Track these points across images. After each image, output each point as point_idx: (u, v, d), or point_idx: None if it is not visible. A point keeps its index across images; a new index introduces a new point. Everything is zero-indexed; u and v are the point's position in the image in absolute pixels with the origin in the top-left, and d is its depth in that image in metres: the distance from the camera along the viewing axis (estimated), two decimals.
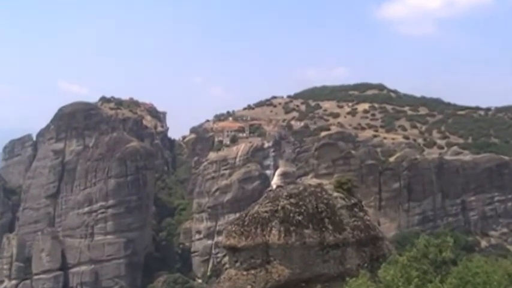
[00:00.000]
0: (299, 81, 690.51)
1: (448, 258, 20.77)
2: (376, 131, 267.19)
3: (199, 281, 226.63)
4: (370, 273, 21.32)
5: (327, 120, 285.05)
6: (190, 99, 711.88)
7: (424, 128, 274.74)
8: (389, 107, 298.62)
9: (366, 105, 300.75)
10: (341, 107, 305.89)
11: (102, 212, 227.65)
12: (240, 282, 22.94)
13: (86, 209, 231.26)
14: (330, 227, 23.84)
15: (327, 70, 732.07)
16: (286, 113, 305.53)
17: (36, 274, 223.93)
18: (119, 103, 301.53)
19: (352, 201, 25.46)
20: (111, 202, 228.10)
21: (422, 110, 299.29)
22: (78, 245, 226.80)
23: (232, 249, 24.07)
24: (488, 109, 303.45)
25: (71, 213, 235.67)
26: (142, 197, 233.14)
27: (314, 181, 26.50)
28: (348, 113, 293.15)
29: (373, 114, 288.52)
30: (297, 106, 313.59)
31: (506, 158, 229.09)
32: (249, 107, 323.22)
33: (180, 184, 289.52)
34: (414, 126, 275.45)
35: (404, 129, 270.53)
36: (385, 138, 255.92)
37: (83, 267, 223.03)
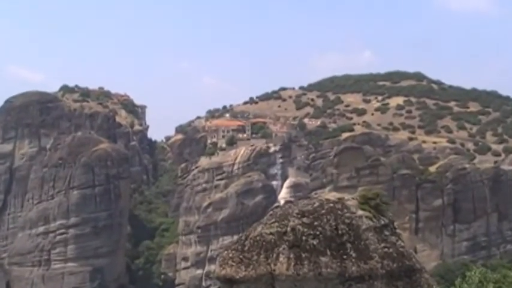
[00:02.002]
0: (314, 68, 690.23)
1: None
2: (413, 132, 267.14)
3: None
4: None
5: (350, 118, 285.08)
6: (176, 90, 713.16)
7: (475, 129, 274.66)
8: (430, 102, 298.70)
9: (399, 100, 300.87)
10: (368, 101, 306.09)
11: (62, 233, 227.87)
12: None
13: (41, 229, 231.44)
14: (353, 254, 23.94)
15: (350, 55, 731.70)
16: (298, 108, 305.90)
17: None
18: (85, 94, 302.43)
19: (382, 221, 25.58)
20: (73, 220, 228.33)
21: (473, 106, 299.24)
22: (29, 276, 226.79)
23: (229, 281, 24.21)
24: None
25: (21, 234, 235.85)
26: (113, 214, 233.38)
27: (333, 195, 26.64)
28: (377, 110, 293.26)
29: (409, 111, 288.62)
30: (312, 100, 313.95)
31: None
32: (251, 101, 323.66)
33: (162, 198, 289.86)
34: (462, 127, 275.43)
35: (450, 131, 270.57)
36: (424, 141, 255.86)
37: None
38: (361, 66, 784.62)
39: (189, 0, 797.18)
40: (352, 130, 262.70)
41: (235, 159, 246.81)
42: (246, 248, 23.89)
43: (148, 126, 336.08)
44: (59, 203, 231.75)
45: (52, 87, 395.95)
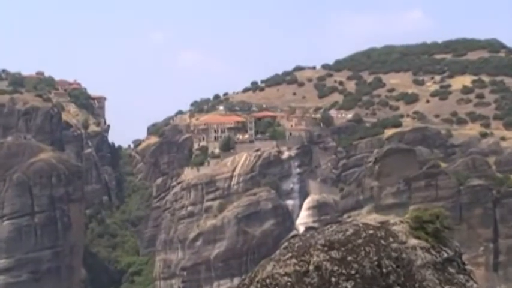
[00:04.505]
0: (343, 37, 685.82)
1: None
2: (487, 125, 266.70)
3: None
4: None
5: (396, 108, 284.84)
6: (147, 74, 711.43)
7: None
8: (510, 82, 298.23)
9: (466, 80, 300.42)
10: (421, 83, 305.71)
11: None
12: None
13: None
14: None
15: (393, 16, 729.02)
16: (321, 96, 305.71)
17: None
18: (17, 82, 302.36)
19: (444, 254, 25.64)
20: (4, 263, 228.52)
21: None
22: None
23: None
24: None
25: None
26: (61, 253, 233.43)
27: (373, 218, 26.71)
28: (434, 95, 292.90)
29: (480, 96, 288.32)
30: (340, 83, 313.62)
31: None
32: (255, 87, 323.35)
33: (131, 228, 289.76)
34: None
35: None
36: (503, 138, 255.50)
37: None
38: (409, 32, 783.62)
39: None
40: (399, 125, 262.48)
41: (234, 170, 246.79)
42: None
43: (108, 127, 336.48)
44: None
45: None
